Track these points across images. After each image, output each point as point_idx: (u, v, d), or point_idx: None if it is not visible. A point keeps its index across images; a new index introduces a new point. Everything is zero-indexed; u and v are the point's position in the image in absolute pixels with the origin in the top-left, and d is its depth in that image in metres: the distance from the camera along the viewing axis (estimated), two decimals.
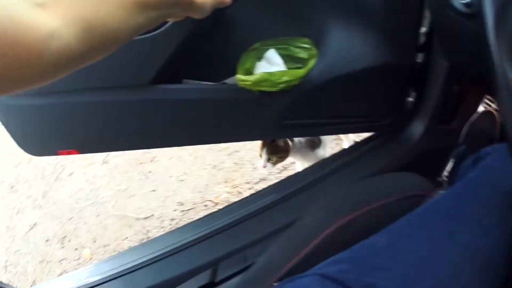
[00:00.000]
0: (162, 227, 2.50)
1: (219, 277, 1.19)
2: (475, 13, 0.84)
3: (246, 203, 1.53)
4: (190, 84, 1.27)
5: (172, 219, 2.53)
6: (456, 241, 0.72)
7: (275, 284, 0.79)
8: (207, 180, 2.69)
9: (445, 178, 1.34)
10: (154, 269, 1.43)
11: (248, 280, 0.88)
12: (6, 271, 2.60)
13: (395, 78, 1.25)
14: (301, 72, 1.14)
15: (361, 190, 0.94)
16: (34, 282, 2.47)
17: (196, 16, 0.85)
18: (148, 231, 2.51)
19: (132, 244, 2.45)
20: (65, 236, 2.67)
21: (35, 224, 2.83)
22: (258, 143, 1.88)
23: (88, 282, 1.47)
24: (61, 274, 2.45)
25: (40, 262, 2.57)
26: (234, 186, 2.59)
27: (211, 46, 1.26)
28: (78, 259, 2.51)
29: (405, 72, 1.25)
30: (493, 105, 1.35)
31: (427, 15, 1.17)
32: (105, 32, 0.66)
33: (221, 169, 2.74)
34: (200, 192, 2.64)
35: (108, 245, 2.50)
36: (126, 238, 2.50)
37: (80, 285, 1.48)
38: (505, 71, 0.69)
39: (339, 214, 0.84)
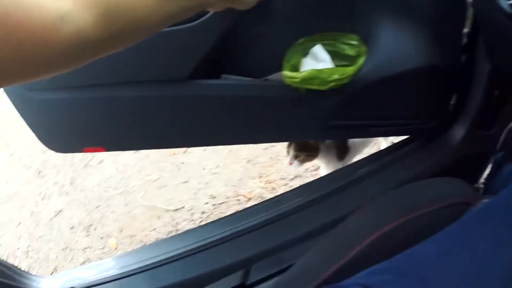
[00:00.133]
0: (192, 220, 2.40)
1: (251, 279, 1.12)
2: None
3: (281, 200, 1.46)
4: (230, 80, 1.20)
5: (203, 212, 2.43)
6: (505, 253, 0.67)
7: None
8: (241, 174, 2.59)
9: (481, 185, 1.26)
10: (181, 265, 1.35)
11: (283, 286, 0.86)
12: (27, 256, 2.54)
13: (442, 80, 1.18)
14: (350, 70, 1.08)
15: (406, 196, 0.91)
16: (55, 270, 2.40)
17: (239, 7, 0.81)
18: (177, 223, 2.41)
19: (160, 236, 2.37)
20: (91, 224, 2.60)
21: (60, 211, 2.77)
22: None
23: (112, 274, 1.40)
24: (84, 262, 2.38)
25: (63, 249, 2.51)
26: (269, 182, 2.49)
27: (253, 40, 1.18)
28: (103, 248, 2.43)
29: (451, 74, 1.17)
30: None
31: (469, 15, 1.11)
32: (129, 19, 0.58)
33: (256, 163, 2.63)
34: (233, 186, 2.54)
35: (135, 236, 2.42)
36: (154, 229, 2.42)
37: (103, 276, 1.41)
38: None
39: (383, 221, 0.82)
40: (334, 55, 1.15)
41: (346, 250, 0.80)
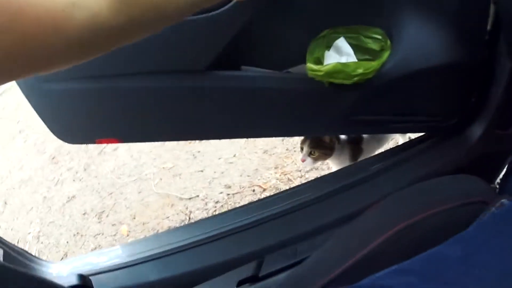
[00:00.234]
0: (206, 209, 2.36)
1: (263, 271, 1.07)
2: None
3: (297, 192, 1.43)
4: (250, 72, 1.16)
5: (217, 202, 2.39)
6: None
7: None
8: (257, 165, 2.55)
9: (496, 185, 1.27)
10: (192, 254, 1.32)
11: (295, 279, 0.83)
12: (38, 241, 2.52)
13: (464, 77, 1.15)
14: (375, 64, 1.06)
15: (424, 192, 0.87)
16: (65, 255, 2.38)
17: None
18: (190, 212, 2.37)
19: (173, 224, 2.33)
20: (103, 211, 2.57)
21: (73, 197, 2.75)
22: None
23: (122, 262, 1.37)
24: (94, 249, 2.35)
25: (74, 235, 2.49)
26: (285, 173, 2.43)
27: (275, 31, 1.15)
28: (115, 235, 2.40)
29: (473, 72, 1.14)
30: None
31: (491, 13, 1.08)
32: (148, 5, 0.53)
33: (272, 154, 2.58)
34: (249, 176, 2.49)
35: (148, 223, 2.39)
36: (167, 218, 2.38)
37: (113, 263, 1.38)
38: None
39: (401, 216, 0.79)
40: (357, 48, 1.12)
41: (362, 246, 0.77)
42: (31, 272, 1.28)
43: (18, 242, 2.54)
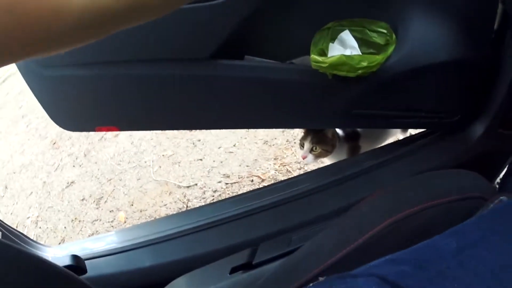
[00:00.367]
0: (204, 198, 2.36)
1: (258, 259, 1.05)
2: None
3: (294, 183, 1.42)
4: (253, 61, 1.14)
5: (215, 191, 2.39)
6: None
7: (321, 278, 0.71)
8: (256, 155, 2.54)
9: (496, 185, 1.26)
10: (188, 241, 1.33)
11: (289, 268, 0.82)
12: (36, 226, 2.54)
13: (469, 75, 1.13)
14: (379, 58, 1.04)
15: (423, 184, 0.86)
16: (63, 240, 2.39)
17: None
18: (188, 200, 2.38)
19: (170, 212, 2.34)
20: (101, 197, 2.58)
21: (72, 182, 2.76)
22: None
23: (118, 247, 1.37)
24: (92, 234, 2.36)
25: (72, 220, 2.50)
26: (284, 164, 2.43)
27: (280, 21, 1.13)
28: (112, 221, 2.41)
29: (478, 69, 1.13)
30: None
31: (498, 12, 1.07)
32: None
33: (272, 145, 2.58)
34: (248, 166, 2.49)
35: (145, 210, 2.39)
36: (165, 205, 2.39)
37: (109, 248, 1.39)
38: None
39: (398, 207, 0.78)
40: (362, 42, 1.11)
41: (357, 235, 0.76)
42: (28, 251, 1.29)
43: (17, 227, 2.55)
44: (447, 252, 0.64)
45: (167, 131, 2.87)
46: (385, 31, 1.08)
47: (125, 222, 2.37)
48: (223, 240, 1.30)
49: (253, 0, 1.02)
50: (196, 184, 2.46)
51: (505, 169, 1.25)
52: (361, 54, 1.08)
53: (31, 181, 2.86)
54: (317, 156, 1.62)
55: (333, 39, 1.10)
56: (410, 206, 0.77)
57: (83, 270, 1.19)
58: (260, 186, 2.30)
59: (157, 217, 2.32)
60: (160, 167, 2.65)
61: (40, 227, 2.51)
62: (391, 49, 1.06)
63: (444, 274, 0.61)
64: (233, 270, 1.02)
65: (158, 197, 2.45)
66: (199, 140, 2.76)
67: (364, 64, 1.02)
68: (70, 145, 3.05)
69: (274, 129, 2.64)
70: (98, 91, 1.21)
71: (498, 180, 1.33)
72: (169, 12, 0.55)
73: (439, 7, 1.06)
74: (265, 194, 1.40)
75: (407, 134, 1.89)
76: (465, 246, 0.65)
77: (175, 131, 2.85)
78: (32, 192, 2.77)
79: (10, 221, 2.58)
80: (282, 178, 2.31)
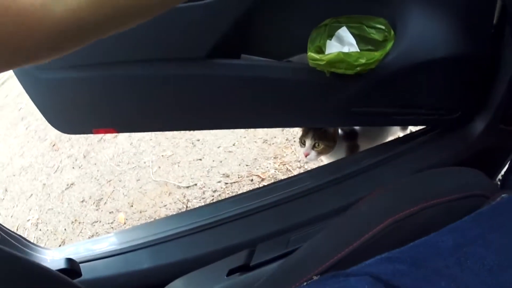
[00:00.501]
0: (203, 198, 2.36)
1: (255, 260, 1.05)
2: None
3: (294, 182, 1.40)
4: (250, 60, 1.14)
5: (215, 191, 2.38)
6: None
7: (316, 277, 0.70)
8: (256, 154, 2.53)
9: (498, 182, 1.25)
10: (187, 242, 1.32)
11: (287, 270, 0.81)
12: (36, 228, 2.53)
13: (469, 71, 1.12)
14: (378, 55, 1.03)
15: (424, 182, 0.85)
16: (63, 242, 2.38)
17: None
18: (188, 200, 2.37)
19: (170, 213, 2.33)
20: (101, 198, 2.57)
21: (72, 184, 2.75)
22: None
23: (116, 249, 1.37)
24: (92, 236, 2.36)
25: (72, 222, 2.49)
26: (284, 163, 2.42)
27: (276, 19, 1.12)
28: (112, 222, 2.40)
29: (478, 65, 1.11)
30: None
31: (497, 7, 1.06)
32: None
33: (272, 144, 2.56)
34: (248, 165, 2.48)
35: (145, 211, 2.39)
36: (165, 206, 2.38)
37: (108, 250, 1.38)
38: None
39: (398, 206, 0.76)
40: (360, 38, 1.10)
41: (356, 236, 0.75)
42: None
43: (17, 229, 2.55)
44: (444, 250, 0.63)
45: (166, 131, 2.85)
46: (383, 27, 1.07)
47: (125, 223, 2.36)
48: (222, 241, 1.29)
49: None
50: (195, 184, 2.45)
51: (507, 166, 1.22)
52: (359, 51, 1.07)
53: (31, 183, 2.86)
54: (320, 153, 1.59)
55: (330, 36, 1.09)
56: (410, 206, 0.75)
57: (78, 273, 1.18)
58: (260, 185, 2.29)
59: (157, 218, 2.31)
60: (159, 167, 2.64)
61: (40, 230, 2.51)
62: (389, 45, 1.05)
63: (440, 272, 0.60)
64: (230, 272, 1.02)
65: (158, 198, 2.44)
66: (198, 140, 2.75)
67: (363, 61, 1.01)
68: (69, 146, 3.04)
69: (273, 128, 2.62)
70: (94, 93, 1.20)
71: (499, 177, 1.31)
72: (151, 17, 0.55)
73: (438, 2, 1.05)
74: (264, 194, 1.39)
75: (407, 131, 1.88)
76: (463, 244, 0.64)
77: (174, 131, 2.84)
78: (32, 195, 2.76)
79: (10, 224, 2.58)
80: (282, 177, 2.29)
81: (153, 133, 2.88)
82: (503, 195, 0.73)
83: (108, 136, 2.99)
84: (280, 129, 2.61)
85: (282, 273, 0.81)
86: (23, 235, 1.93)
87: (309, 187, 1.33)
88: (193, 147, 2.72)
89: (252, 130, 2.67)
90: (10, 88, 4.02)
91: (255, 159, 2.51)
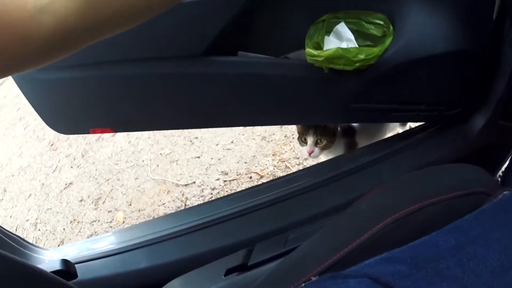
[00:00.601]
0: (202, 196, 2.35)
1: (253, 260, 1.03)
2: None
3: (293, 179, 1.39)
4: (247, 57, 1.12)
5: (213, 188, 2.37)
6: None
7: (314, 278, 0.69)
8: (254, 151, 2.52)
9: (498, 178, 1.25)
10: (184, 241, 1.31)
11: (285, 269, 0.80)
12: (35, 228, 2.52)
13: (469, 66, 1.11)
14: (377, 50, 1.03)
15: (424, 180, 0.84)
16: (62, 242, 2.37)
17: None
18: (187, 198, 2.36)
19: (168, 211, 2.32)
20: (100, 197, 2.56)
21: (70, 183, 2.74)
22: None
23: (114, 248, 1.36)
24: (90, 235, 2.35)
25: (71, 222, 2.48)
26: (282, 160, 2.41)
27: (273, 15, 1.11)
28: (110, 222, 2.39)
29: (478, 60, 1.11)
30: None
31: (497, 2, 1.04)
32: (118, 6, 0.51)
33: (270, 141, 2.55)
34: (246, 163, 2.47)
35: (143, 210, 2.38)
36: (163, 204, 2.37)
37: (106, 250, 1.37)
38: None
39: (399, 204, 0.75)
40: (358, 34, 1.09)
41: (355, 235, 0.74)
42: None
43: (16, 230, 2.54)
44: (445, 250, 0.62)
45: None
46: (382, 22, 1.06)
47: (123, 222, 2.35)
48: (220, 240, 1.28)
49: None
50: (194, 182, 2.44)
51: (507, 163, 1.23)
52: (357, 46, 1.06)
53: (29, 183, 2.85)
54: (322, 149, 1.56)
55: (328, 32, 1.08)
56: (410, 204, 0.74)
57: (74, 275, 1.18)
58: (259, 182, 2.28)
59: (156, 216, 2.30)
60: (157, 165, 2.63)
61: (39, 230, 2.50)
62: (388, 41, 1.04)
63: (441, 274, 0.59)
64: (228, 272, 1.01)
65: (156, 196, 2.43)
66: (197, 138, 2.73)
67: (362, 56, 1.00)
68: (67, 146, 3.03)
69: (271, 125, 2.61)
70: (90, 93, 1.20)
71: (500, 173, 1.31)
72: (140, 23, 0.55)
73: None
74: (262, 191, 1.38)
75: (406, 128, 1.87)
76: (464, 244, 0.62)
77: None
78: (30, 195, 2.75)
79: (9, 225, 2.57)
80: (281, 174, 2.29)
81: (151, 131, 2.87)
82: (504, 192, 0.72)
83: (106, 135, 2.98)
84: (279, 126, 2.60)
85: (280, 273, 0.80)
86: (22, 236, 1.93)
87: (308, 185, 1.32)
88: (191, 145, 2.71)
89: (250, 127, 2.66)
90: (8, 89, 4.01)
91: (254, 156, 2.50)
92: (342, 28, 1.08)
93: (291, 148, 2.47)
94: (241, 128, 2.68)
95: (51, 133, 3.20)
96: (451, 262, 0.60)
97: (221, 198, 1.52)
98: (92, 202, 2.55)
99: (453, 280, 0.58)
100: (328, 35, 1.09)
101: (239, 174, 2.41)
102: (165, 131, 2.82)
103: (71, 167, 2.87)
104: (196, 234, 1.32)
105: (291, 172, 2.00)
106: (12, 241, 1.35)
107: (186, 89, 1.16)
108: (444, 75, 1.12)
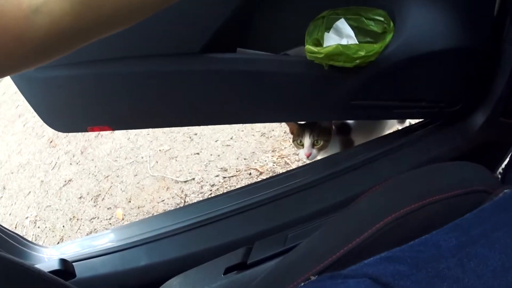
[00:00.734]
0: (201, 192, 2.34)
1: (252, 258, 1.02)
2: None
3: (292, 176, 1.38)
4: (246, 54, 1.12)
5: (213, 185, 2.37)
6: None
7: (313, 277, 0.69)
8: (254, 148, 2.52)
9: (499, 175, 1.24)
10: (183, 239, 1.31)
11: (284, 267, 0.79)
12: (35, 226, 2.52)
13: (469, 63, 1.11)
14: (377, 47, 1.01)
15: (425, 178, 0.82)
16: (61, 239, 2.37)
17: None
18: (186, 195, 2.36)
19: (168, 208, 2.32)
20: (99, 194, 2.56)
21: (70, 180, 2.74)
22: None
23: (113, 246, 1.36)
24: (90, 232, 2.35)
25: (70, 219, 2.48)
26: (282, 157, 2.40)
27: (273, 11, 1.11)
28: (110, 218, 2.39)
29: (479, 57, 1.10)
30: None
31: None
32: (114, 5, 0.51)
33: (270, 137, 2.55)
34: (245, 159, 2.47)
35: (143, 207, 2.37)
36: (162, 201, 2.37)
37: (105, 247, 1.37)
38: None
39: (399, 203, 0.74)
40: (358, 31, 1.08)
41: (355, 234, 0.73)
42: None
43: (16, 227, 2.54)
44: (446, 250, 0.61)
45: None
46: (382, 19, 1.05)
47: (123, 219, 2.35)
48: (219, 238, 1.28)
49: None
50: (193, 179, 2.44)
51: (507, 160, 1.23)
52: (357, 43, 1.05)
53: (28, 180, 2.85)
54: (320, 149, 1.55)
55: (328, 28, 1.07)
56: (411, 203, 0.73)
57: (72, 274, 1.17)
58: (259, 179, 2.27)
59: (155, 213, 2.30)
60: (157, 162, 2.63)
61: (38, 227, 2.49)
62: (389, 37, 1.03)
63: (442, 274, 0.58)
64: (227, 271, 1.00)
65: (156, 193, 2.43)
66: (196, 134, 2.73)
67: (362, 53, 0.99)
68: (66, 143, 3.03)
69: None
70: (88, 91, 1.19)
71: (500, 170, 1.31)
72: (138, 21, 0.55)
73: None
74: (262, 188, 1.37)
75: (406, 124, 1.86)
76: (465, 243, 0.61)
77: None
78: (30, 192, 2.75)
79: (9, 222, 2.57)
80: (281, 171, 2.28)
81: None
82: (505, 191, 0.71)
83: (105, 132, 2.97)
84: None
85: (279, 272, 0.79)
86: (21, 233, 1.92)
87: (308, 181, 1.31)
88: (191, 141, 2.71)
89: (249, 124, 2.65)
90: (7, 86, 4.01)
91: (253, 152, 2.49)
92: (342, 24, 1.07)
93: (291, 145, 2.44)
94: (240, 124, 2.66)
95: (50, 130, 3.16)
96: (452, 262, 0.59)
97: (220, 195, 1.51)
98: (92, 199, 2.55)
99: (453, 280, 0.57)
100: (328, 32, 1.08)
101: (239, 171, 2.41)
102: (164, 128, 2.82)
103: (70, 164, 2.86)
104: (195, 231, 1.32)
105: (291, 168, 2.00)
106: (11, 240, 1.34)
107: (184, 86, 1.16)
108: (444, 72, 1.12)
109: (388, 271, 0.60)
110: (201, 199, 2.26)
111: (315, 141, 1.52)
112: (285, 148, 2.45)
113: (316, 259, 0.73)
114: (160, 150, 2.70)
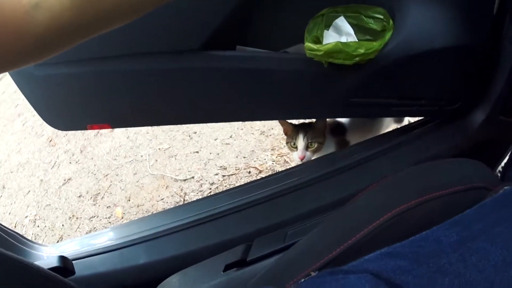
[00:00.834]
0: (201, 191, 2.34)
1: (252, 255, 1.02)
2: None
3: (292, 174, 1.38)
4: (245, 52, 1.12)
5: (212, 183, 2.36)
6: None
7: (313, 273, 0.68)
8: (253, 146, 2.51)
9: (498, 173, 1.24)
10: (182, 237, 1.31)
11: (284, 264, 0.79)
12: (34, 225, 2.52)
13: (469, 61, 1.11)
14: (377, 44, 1.02)
15: (424, 174, 0.83)
16: (61, 238, 2.37)
17: None
18: (185, 193, 2.36)
19: (167, 206, 2.32)
20: (98, 193, 2.56)
21: (69, 179, 2.74)
22: None
23: (112, 244, 1.36)
24: (89, 231, 2.34)
25: (69, 218, 2.48)
26: (281, 155, 2.40)
27: (272, 9, 1.11)
28: (109, 217, 2.39)
29: (478, 55, 1.10)
30: None
31: None
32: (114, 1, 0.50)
33: (269, 135, 2.55)
34: (245, 157, 2.46)
35: (142, 205, 2.37)
36: (162, 199, 2.36)
37: (105, 245, 1.37)
38: None
39: (398, 200, 0.74)
40: (358, 28, 1.08)
41: (355, 230, 0.73)
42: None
43: (15, 226, 2.54)
44: (447, 245, 0.61)
45: None
46: (381, 16, 1.06)
47: (122, 217, 2.35)
48: (218, 236, 1.28)
49: None
50: (193, 177, 2.44)
51: (507, 158, 1.23)
52: (357, 41, 1.05)
53: (28, 179, 2.84)
54: (314, 152, 1.55)
55: (327, 26, 1.07)
56: (409, 200, 0.73)
57: (71, 271, 1.17)
58: (258, 177, 2.27)
59: (154, 211, 2.30)
60: (156, 160, 2.62)
61: (38, 226, 2.49)
62: (388, 35, 1.03)
63: (444, 269, 0.58)
64: (227, 268, 1.00)
65: (155, 191, 2.42)
66: (195, 133, 2.73)
67: (361, 51, 0.99)
68: (66, 141, 3.03)
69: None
70: (87, 89, 1.19)
71: (499, 168, 1.31)
72: (136, 18, 0.54)
73: None
74: (261, 186, 1.37)
75: (405, 123, 1.85)
76: (466, 238, 0.62)
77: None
78: (29, 191, 2.75)
79: (8, 221, 2.57)
80: (280, 169, 2.28)
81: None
82: (505, 187, 0.71)
83: (105, 130, 2.97)
84: (278, 120, 2.59)
85: (279, 268, 0.79)
86: (21, 232, 1.92)
87: (307, 179, 1.32)
88: (190, 139, 2.71)
89: (248, 122, 2.65)
90: (7, 85, 4.01)
91: (253, 151, 2.49)
92: (342, 22, 1.07)
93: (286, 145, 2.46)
94: (240, 122, 2.68)
95: (49, 129, 3.17)
96: (453, 257, 0.60)
97: (219, 193, 1.51)
98: (91, 197, 2.54)
99: (455, 275, 0.57)
100: (328, 29, 1.08)
101: (238, 169, 2.40)
102: (163, 126, 2.81)
103: (70, 163, 2.86)
104: (195, 229, 1.32)
105: (290, 166, 2.00)
106: (10, 238, 1.34)
107: (184, 83, 1.16)
108: (444, 70, 1.12)
109: (389, 266, 0.60)
110: (200, 197, 2.26)
111: (309, 144, 1.52)
112: (284, 146, 2.45)
113: (316, 255, 0.73)
114: (159, 149, 2.70)
